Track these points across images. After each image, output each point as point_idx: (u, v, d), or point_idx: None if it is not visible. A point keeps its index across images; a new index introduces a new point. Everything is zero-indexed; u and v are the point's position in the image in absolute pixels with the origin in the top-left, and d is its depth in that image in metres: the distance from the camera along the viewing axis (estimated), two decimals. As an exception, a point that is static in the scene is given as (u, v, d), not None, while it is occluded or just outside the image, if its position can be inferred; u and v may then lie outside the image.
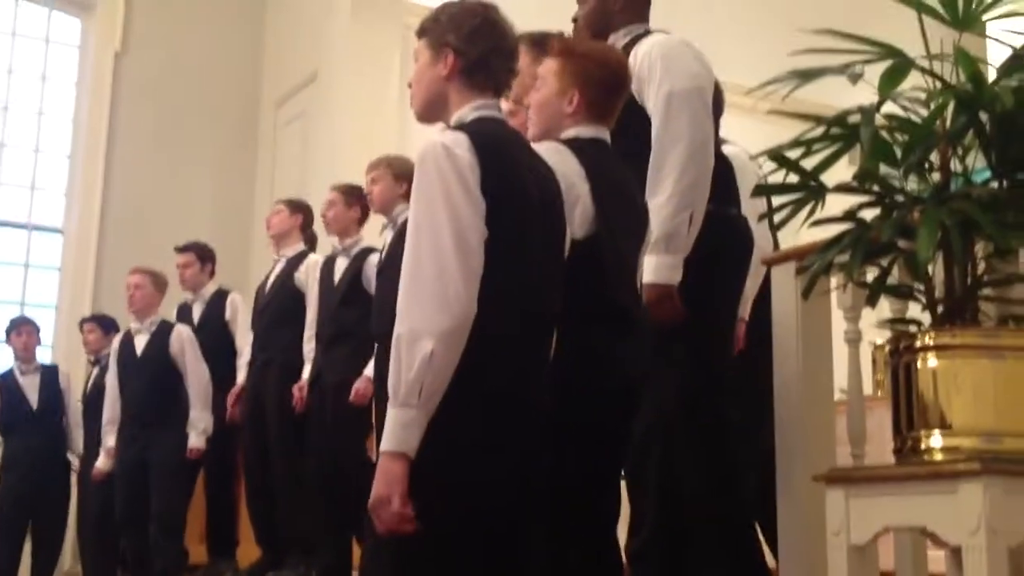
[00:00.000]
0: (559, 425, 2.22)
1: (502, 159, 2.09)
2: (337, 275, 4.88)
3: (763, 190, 2.54)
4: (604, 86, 2.57)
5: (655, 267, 2.81)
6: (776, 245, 3.43)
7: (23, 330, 6.69)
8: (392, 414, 1.93)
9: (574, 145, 2.50)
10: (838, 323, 2.76)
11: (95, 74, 8.59)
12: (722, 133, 3.16)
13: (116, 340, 5.79)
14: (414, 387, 1.91)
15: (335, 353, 4.70)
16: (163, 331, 5.58)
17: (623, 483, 2.82)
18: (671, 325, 2.81)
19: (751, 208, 3.10)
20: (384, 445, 1.93)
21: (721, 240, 2.90)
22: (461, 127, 2.14)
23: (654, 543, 3.07)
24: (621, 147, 2.93)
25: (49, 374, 6.72)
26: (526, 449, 2.05)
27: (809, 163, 2.33)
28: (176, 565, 5.46)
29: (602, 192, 2.45)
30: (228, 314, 5.91)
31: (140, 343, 5.60)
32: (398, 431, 1.92)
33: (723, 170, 2.97)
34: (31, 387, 6.61)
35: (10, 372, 6.70)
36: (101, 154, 8.49)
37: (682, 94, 2.87)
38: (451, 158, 2.02)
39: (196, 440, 5.40)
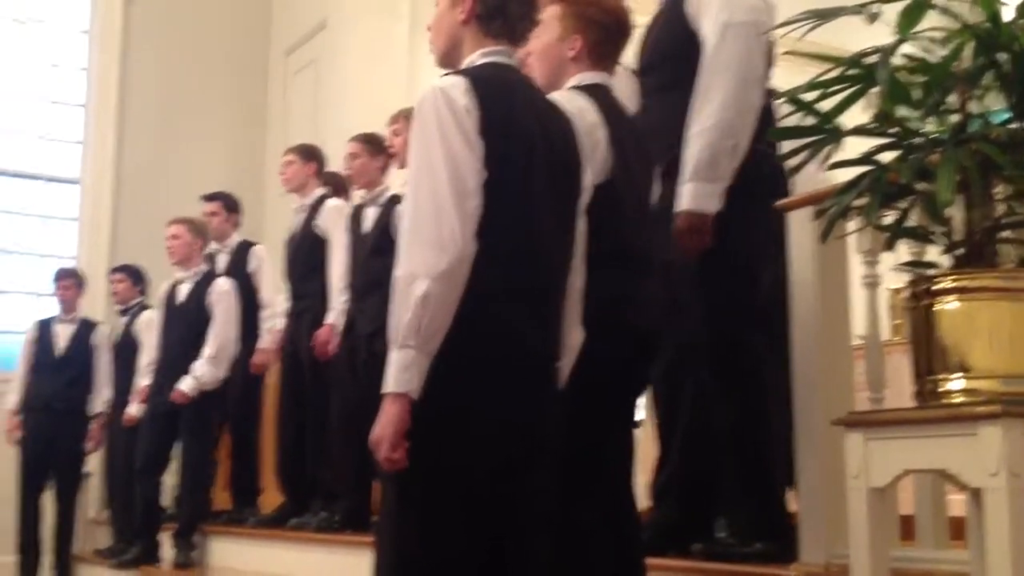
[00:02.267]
0: (576, 370, 2.23)
1: (502, 102, 2.07)
2: (366, 225, 4.88)
3: (779, 133, 2.51)
4: (606, 30, 2.55)
5: (693, 194, 2.79)
6: None
7: (61, 283, 6.77)
8: (393, 356, 1.95)
9: (583, 91, 2.49)
10: (854, 268, 2.75)
11: (105, 23, 8.54)
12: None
13: (163, 287, 5.84)
14: (411, 328, 1.92)
15: (367, 303, 4.70)
16: (205, 281, 5.61)
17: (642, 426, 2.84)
18: (697, 256, 2.80)
19: None
20: (385, 386, 1.95)
21: (756, 174, 2.86)
22: (462, 71, 2.13)
23: (679, 481, 3.09)
24: (668, 74, 2.91)
25: (85, 327, 6.79)
26: (531, 391, 2.05)
27: (825, 106, 2.30)
28: (201, 512, 5.54)
29: (618, 136, 2.44)
30: (251, 265, 5.95)
31: (182, 292, 5.66)
32: (398, 373, 1.93)
33: (767, 110, 2.93)
34: (63, 335, 6.70)
35: (50, 319, 6.80)
36: (114, 104, 8.48)
37: (739, 25, 2.83)
38: (448, 101, 2.02)
39: (185, 384, 5.41)
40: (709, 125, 2.79)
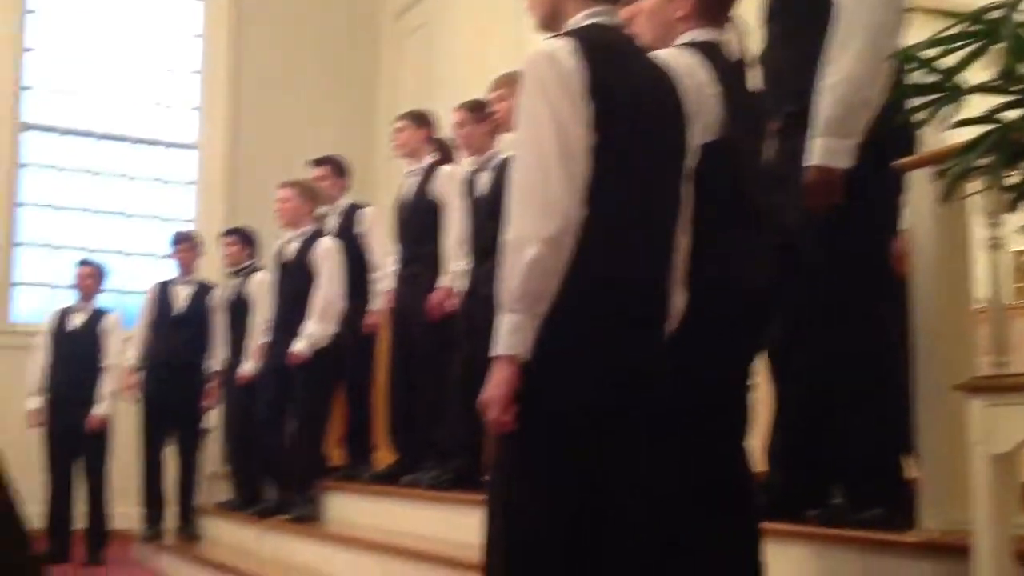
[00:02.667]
0: (688, 330, 2.22)
1: (609, 64, 2.06)
2: (479, 189, 4.91)
3: (901, 91, 2.44)
4: None
5: (824, 149, 2.72)
6: None
7: (179, 246, 6.96)
8: (501, 319, 1.97)
9: (693, 48, 2.46)
10: (976, 230, 2.66)
11: (217, -12, 8.73)
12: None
13: (275, 247, 6.00)
14: (519, 292, 1.94)
15: (486, 267, 4.73)
16: (310, 240, 5.74)
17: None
18: (823, 214, 2.74)
19: None
20: (494, 349, 1.97)
21: (887, 129, 2.77)
22: (568, 33, 2.11)
23: (794, 445, 3.06)
24: (791, 22, 2.84)
25: (202, 288, 6.96)
26: (640, 354, 2.05)
27: (947, 63, 2.24)
28: (316, 467, 5.68)
29: (729, 94, 2.41)
30: (361, 227, 6.05)
31: (289, 251, 5.80)
32: (506, 336, 1.96)
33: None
34: (181, 296, 6.88)
35: (168, 281, 7.00)
36: (228, 70, 8.67)
37: None
38: (554, 65, 2.01)
39: (299, 345, 5.53)
40: (842, 78, 2.71)
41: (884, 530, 2.66)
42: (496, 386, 1.97)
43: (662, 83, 2.20)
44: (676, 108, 2.21)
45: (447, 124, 5.53)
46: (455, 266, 5.10)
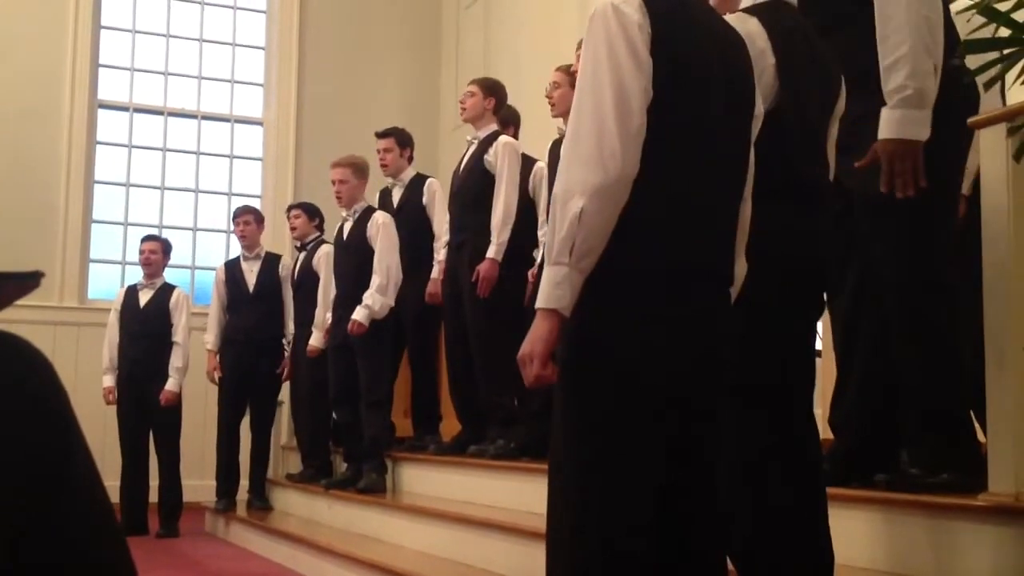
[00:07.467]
0: (745, 302, 2.18)
1: (676, 21, 2.02)
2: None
3: (972, 46, 2.38)
4: None
5: (902, 120, 2.64)
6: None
7: (239, 220, 7.01)
8: (546, 272, 1.93)
9: (757, 12, 2.41)
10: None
11: (281, -34, 8.80)
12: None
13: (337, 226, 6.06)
14: (565, 245, 1.89)
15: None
16: (365, 217, 5.81)
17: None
18: (903, 186, 2.68)
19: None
20: (536, 302, 1.93)
21: (947, 95, 2.71)
22: None
23: (859, 412, 3.02)
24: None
25: (270, 261, 7.03)
26: (696, 320, 2.00)
27: (1020, 16, 2.18)
28: (383, 437, 5.73)
29: (788, 62, 2.36)
30: (425, 198, 6.08)
31: (347, 229, 5.86)
32: (549, 288, 1.91)
33: (948, 22, 2.79)
34: (250, 272, 6.94)
35: (237, 258, 7.07)
36: (294, 46, 8.74)
37: None
38: (619, 17, 1.98)
39: (358, 314, 5.57)
40: (906, 51, 2.63)
41: (953, 494, 2.62)
42: (536, 340, 1.92)
43: (733, 46, 2.16)
44: (745, 72, 2.17)
45: (510, 94, 5.51)
46: (500, 237, 5.13)
